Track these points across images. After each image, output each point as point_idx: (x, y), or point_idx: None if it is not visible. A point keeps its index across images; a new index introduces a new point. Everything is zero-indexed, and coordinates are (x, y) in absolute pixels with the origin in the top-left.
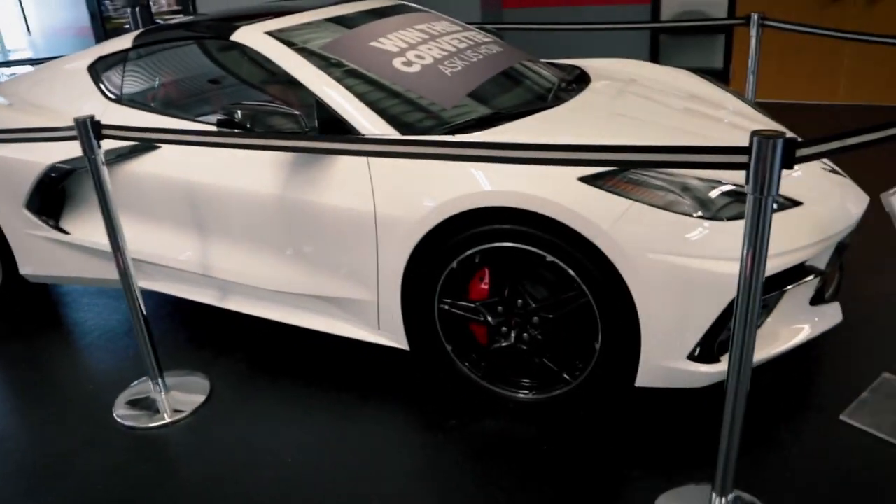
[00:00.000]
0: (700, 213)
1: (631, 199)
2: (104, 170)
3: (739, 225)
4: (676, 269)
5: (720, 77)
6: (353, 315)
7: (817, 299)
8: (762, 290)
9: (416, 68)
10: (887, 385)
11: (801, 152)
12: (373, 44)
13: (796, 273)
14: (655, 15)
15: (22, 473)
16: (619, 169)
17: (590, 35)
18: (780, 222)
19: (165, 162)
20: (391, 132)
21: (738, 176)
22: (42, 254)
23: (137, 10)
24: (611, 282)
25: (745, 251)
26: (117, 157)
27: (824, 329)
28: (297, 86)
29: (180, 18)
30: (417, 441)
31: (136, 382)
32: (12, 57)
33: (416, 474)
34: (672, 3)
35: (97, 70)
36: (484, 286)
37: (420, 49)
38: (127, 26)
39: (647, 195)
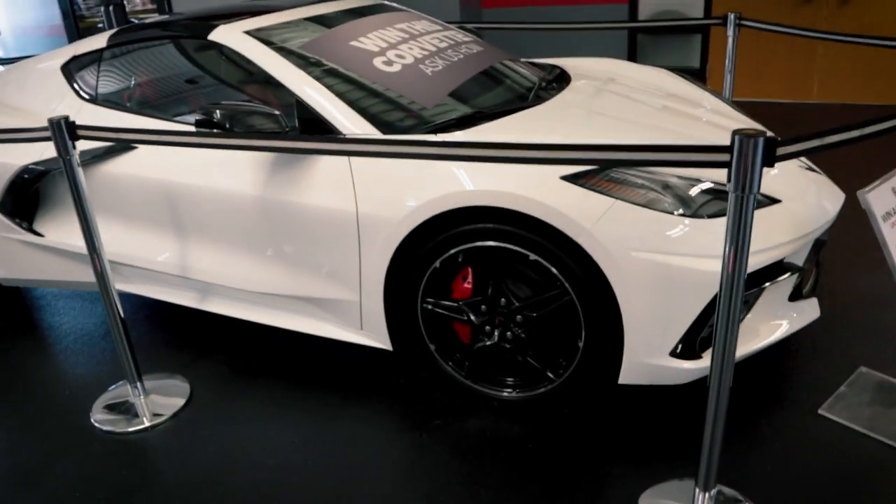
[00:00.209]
0: (681, 211)
1: (613, 197)
2: (79, 171)
3: (720, 222)
4: (659, 266)
5: (697, 76)
6: (335, 315)
7: (795, 295)
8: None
9: (396, 68)
10: (864, 379)
11: (781, 151)
12: (353, 43)
13: (775, 270)
14: (633, 15)
15: None
16: (600, 168)
17: (568, 34)
18: (759, 220)
19: (142, 163)
20: (372, 132)
21: (717, 174)
22: (15, 257)
23: (111, 8)
24: (594, 280)
25: (727, 249)
26: (92, 157)
27: (802, 325)
28: (277, 85)
29: (155, 17)
30: (402, 441)
31: (113, 386)
32: None
33: (401, 475)
34: (649, 3)
35: (71, 70)
36: (467, 285)
37: (400, 48)
38: (100, 25)
39: (628, 193)
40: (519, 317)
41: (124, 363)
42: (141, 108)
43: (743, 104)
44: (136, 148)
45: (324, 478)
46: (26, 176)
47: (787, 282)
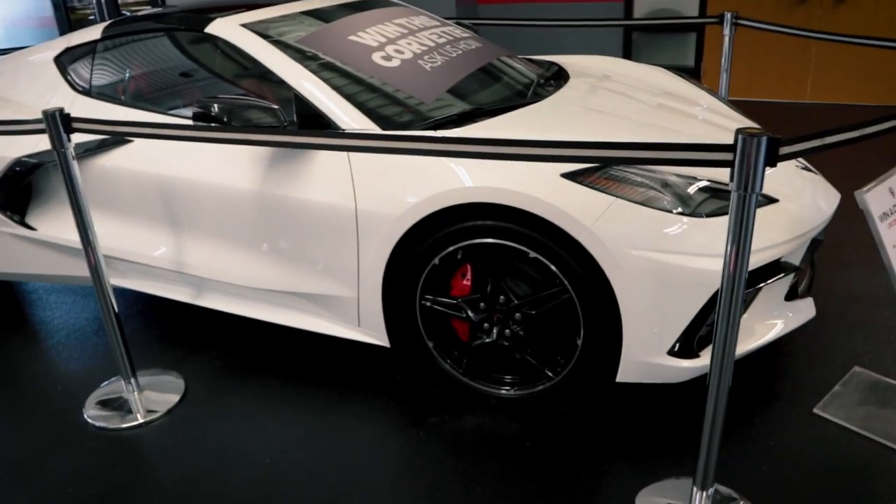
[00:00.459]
0: (680, 210)
1: (613, 195)
2: (74, 164)
3: (719, 221)
4: (658, 265)
5: (691, 75)
6: (332, 312)
7: (791, 295)
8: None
9: (395, 63)
10: (858, 378)
11: (784, 150)
12: (351, 38)
13: (772, 269)
14: (628, 13)
15: None
16: (600, 165)
17: (563, 32)
18: (757, 219)
19: (138, 156)
20: (371, 127)
21: (713, 172)
22: (6, 250)
23: (103, 0)
24: (593, 278)
25: (728, 248)
26: (86, 151)
27: (799, 324)
28: (274, 80)
29: (148, 10)
30: (399, 438)
31: (107, 382)
32: None
33: (399, 472)
34: (644, 2)
35: (64, 62)
36: (466, 282)
37: (399, 44)
38: (92, 17)
39: (628, 191)
40: (518, 314)
41: (118, 358)
42: (136, 102)
43: (737, 103)
44: (130, 141)
45: (320, 475)
46: (18, 169)
47: (783, 281)
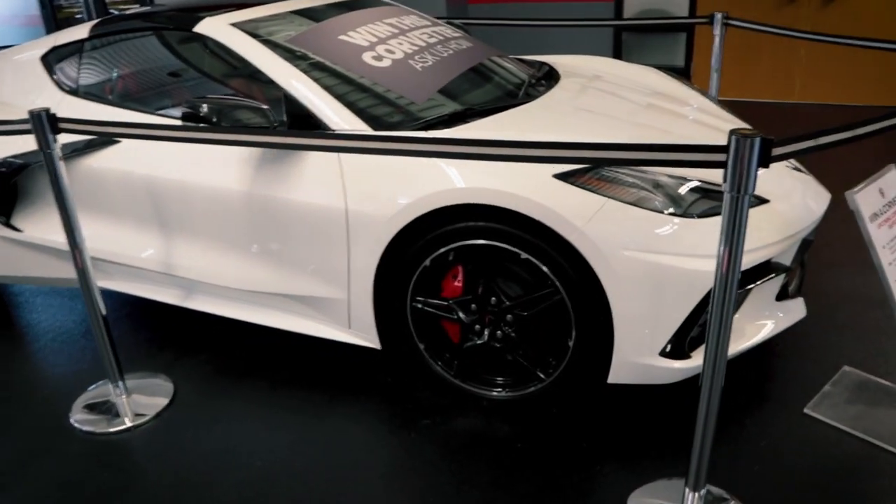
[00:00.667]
0: (671, 210)
1: (605, 196)
2: (61, 165)
3: (710, 222)
4: (650, 266)
5: (681, 75)
6: (322, 314)
7: (781, 295)
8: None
9: (386, 63)
10: (848, 378)
11: (776, 151)
12: (342, 37)
13: (763, 270)
14: (618, 13)
15: None
16: (592, 166)
17: (553, 32)
18: (748, 220)
19: (126, 157)
20: (362, 127)
21: (703, 172)
22: None
23: None
24: (585, 279)
25: (721, 249)
26: (73, 151)
27: (789, 324)
28: (264, 80)
29: (137, 9)
30: (390, 441)
31: (94, 386)
32: None
33: (390, 474)
34: (634, 2)
35: (51, 61)
36: (457, 284)
37: (390, 43)
38: (79, 16)
39: (620, 192)
40: (509, 316)
41: (106, 361)
42: (124, 102)
43: (726, 103)
44: (118, 142)
45: (311, 478)
46: (4, 169)
47: (774, 282)
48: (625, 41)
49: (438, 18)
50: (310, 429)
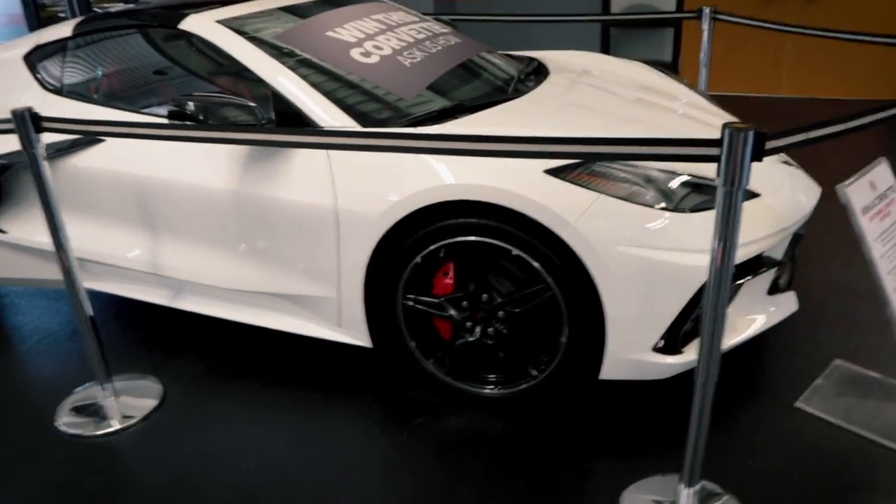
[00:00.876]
0: (663, 205)
1: (596, 191)
2: (44, 165)
3: (702, 216)
4: (642, 261)
5: (669, 70)
6: (312, 313)
7: (773, 289)
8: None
9: (374, 59)
10: (839, 372)
11: (770, 144)
12: (329, 33)
13: (755, 264)
14: (606, 8)
15: None
16: (583, 161)
17: (540, 27)
18: None
19: (111, 156)
20: (350, 124)
21: (693, 167)
22: None
23: None
24: (577, 275)
25: (715, 243)
26: (57, 151)
27: (781, 318)
28: (251, 77)
29: (121, 6)
30: (383, 441)
31: (81, 388)
32: None
33: (383, 474)
34: None
35: (34, 60)
36: (448, 281)
37: (378, 39)
38: (63, 15)
39: (611, 187)
40: (501, 312)
41: (93, 363)
42: (109, 100)
43: (713, 97)
44: (103, 141)
45: (304, 480)
46: None
47: (765, 276)
48: (612, 36)
49: (426, 14)
50: (302, 429)
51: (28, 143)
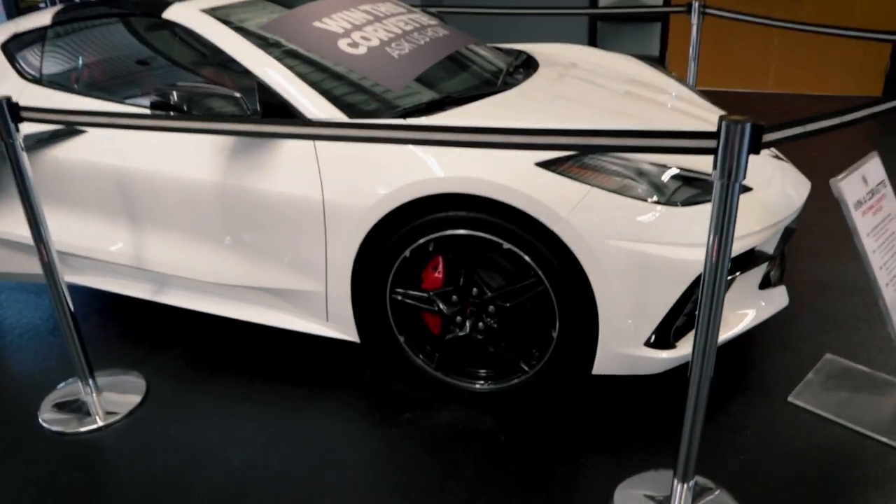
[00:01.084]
0: (655, 198)
1: (588, 184)
2: (23, 156)
3: (696, 210)
4: (635, 255)
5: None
6: (299, 307)
7: (764, 283)
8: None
9: (362, 50)
10: (830, 366)
11: (767, 137)
12: (316, 24)
13: (747, 259)
14: (594, 1)
15: None
16: (575, 154)
17: (528, 20)
18: None
19: (92, 147)
20: (338, 115)
21: (681, 160)
22: None
23: None
24: (568, 269)
25: (711, 237)
26: (37, 142)
27: (772, 313)
28: (237, 68)
29: None
30: (371, 436)
31: (63, 384)
32: None
33: (372, 471)
34: None
35: (11, 49)
36: (438, 275)
37: (365, 30)
38: (42, 4)
39: (604, 180)
40: (491, 307)
41: (75, 359)
42: (90, 90)
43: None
44: (84, 132)
45: (291, 476)
46: None
47: (757, 270)
48: (600, 30)
49: (413, 6)
50: (288, 425)
51: (6, 132)
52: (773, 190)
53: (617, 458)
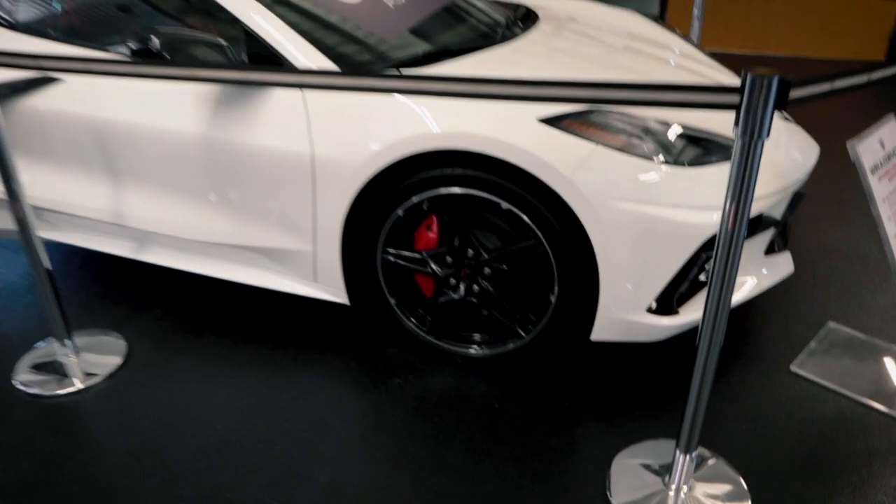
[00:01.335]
0: (662, 158)
1: (594, 142)
2: None
3: (704, 171)
4: (640, 217)
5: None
6: (286, 267)
7: (769, 249)
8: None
9: None
10: (833, 334)
11: (794, 94)
12: None
13: (754, 224)
14: None
15: None
16: (582, 110)
17: None
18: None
19: (70, 97)
20: (330, 67)
21: (682, 116)
22: None
23: None
24: (569, 231)
25: (728, 199)
26: (11, 90)
27: (778, 279)
28: (224, 16)
29: None
30: (360, 402)
31: (41, 343)
32: None
33: (361, 438)
34: None
35: None
36: (432, 235)
37: None
38: None
39: (610, 138)
40: (487, 269)
41: (52, 318)
42: (67, 37)
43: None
44: (61, 80)
45: (277, 443)
46: None
47: (764, 236)
48: None
49: None
50: (274, 389)
51: None
52: (781, 153)
53: (615, 426)
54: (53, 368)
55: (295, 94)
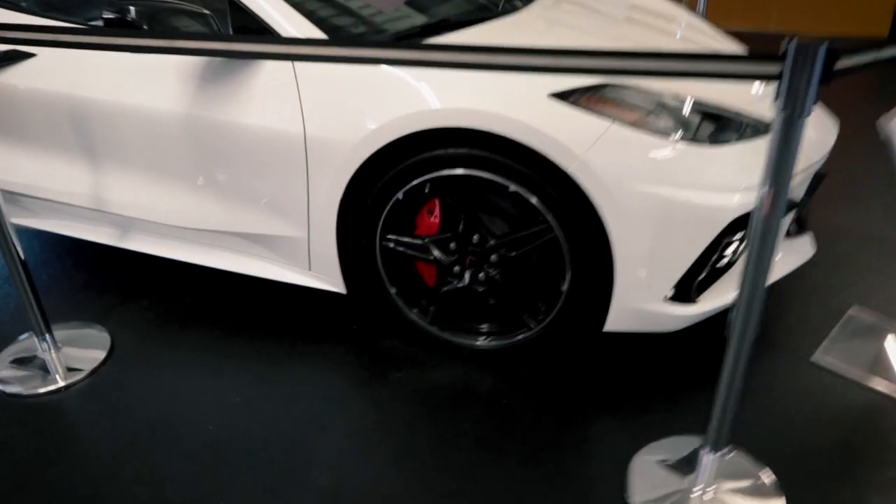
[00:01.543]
0: (681, 135)
1: (609, 118)
2: None
3: (725, 150)
4: (659, 200)
5: None
6: (278, 255)
7: (789, 231)
8: (742, 226)
9: None
10: (855, 321)
11: (841, 64)
12: None
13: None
14: None
15: None
16: (594, 84)
17: None
18: (760, 150)
19: (44, 74)
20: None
21: (694, 89)
22: None
23: None
24: (583, 215)
25: (767, 179)
26: None
27: (800, 262)
28: None
29: None
30: (359, 398)
31: (21, 337)
32: None
33: (361, 437)
34: None
35: None
36: (434, 220)
37: None
38: None
39: (626, 115)
40: (494, 256)
41: (29, 312)
42: (42, 10)
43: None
44: (33, 55)
45: (271, 442)
46: None
47: (785, 218)
48: None
49: None
50: (268, 385)
51: None
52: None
53: (630, 421)
54: (34, 364)
55: (285, 69)
